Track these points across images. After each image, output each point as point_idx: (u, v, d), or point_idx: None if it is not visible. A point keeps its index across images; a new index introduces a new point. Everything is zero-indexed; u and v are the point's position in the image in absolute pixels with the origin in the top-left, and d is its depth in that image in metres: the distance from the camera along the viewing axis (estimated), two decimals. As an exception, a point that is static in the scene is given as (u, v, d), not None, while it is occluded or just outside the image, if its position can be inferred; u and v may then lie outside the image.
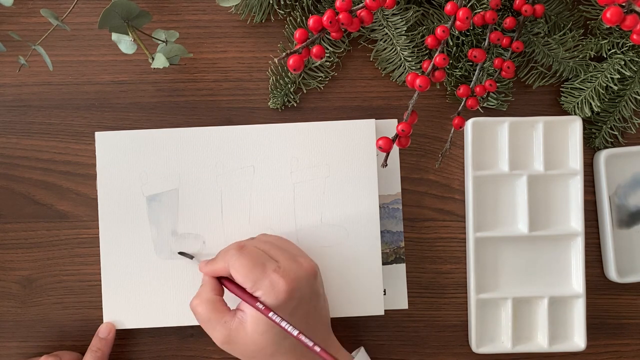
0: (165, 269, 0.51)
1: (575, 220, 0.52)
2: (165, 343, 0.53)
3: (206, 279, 0.47)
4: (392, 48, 0.52)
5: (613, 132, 0.53)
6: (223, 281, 0.46)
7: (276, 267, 0.44)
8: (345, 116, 0.54)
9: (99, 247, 0.51)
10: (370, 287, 0.52)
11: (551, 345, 0.52)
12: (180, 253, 0.51)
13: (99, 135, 0.52)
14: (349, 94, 0.54)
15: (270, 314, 0.42)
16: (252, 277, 0.43)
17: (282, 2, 0.51)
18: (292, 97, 0.53)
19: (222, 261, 0.45)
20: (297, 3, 0.52)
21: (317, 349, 0.40)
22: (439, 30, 0.46)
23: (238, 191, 0.52)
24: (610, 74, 0.50)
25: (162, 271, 0.51)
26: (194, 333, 0.53)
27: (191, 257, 0.51)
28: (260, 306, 0.43)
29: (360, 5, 0.43)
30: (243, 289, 0.44)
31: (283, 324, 0.42)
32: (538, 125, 0.52)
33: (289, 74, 0.53)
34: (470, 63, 0.52)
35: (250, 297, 0.44)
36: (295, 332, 0.41)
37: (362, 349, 0.50)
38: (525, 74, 0.53)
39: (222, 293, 0.46)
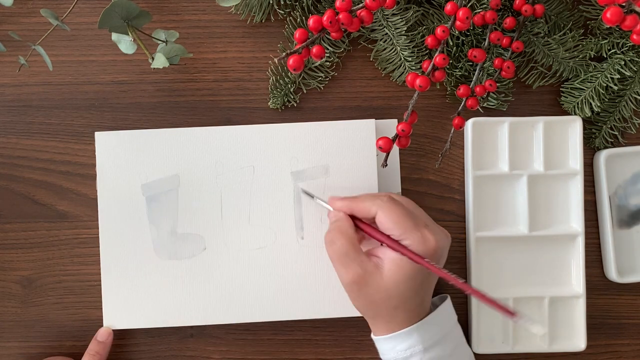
0: (165, 269, 0.51)
1: (575, 220, 0.52)
2: (165, 343, 0.53)
3: (341, 215, 0.45)
4: (392, 48, 0.52)
5: (613, 132, 0.53)
6: (360, 223, 0.45)
7: (426, 225, 0.44)
8: (345, 116, 0.54)
9: (99, 247, 0.51)
10: (370, 287, 0.52)
11: (551, 345, 0.52)
12: (304, 191, 0.50)
13: (99, 135, 0.52)
14: (349, 94, 0.54)
15: (426, 260, 0.42)
16: (404, 225, 0.43)
17: (282, 2, 0.51)
18: (292, 97, 0.53)
19: (370, 202, 0.44)
20: (297, 3, 0.52)
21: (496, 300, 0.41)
22: (439, 30, 0.46)
23: (238, 191, 0.52)
24: (610, 74, 0.50)
25: (162, 271, 0.51)
26: (194, 333, 0.53)
27: (312, 195, 0.50)
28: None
29: (360, 5, 0.43)
30: (387, 235, 0.43)
31: (444, 270, 0.42)
32: (538, 125, 0.52)
33: (289, 74, 0.52)
34: (470, 63, 0.52)
35: (398, 244, 0.43)
36: (461, 281, 0.41)
37: (447, 297, 0.49)
38: (525, 74, 0.53)
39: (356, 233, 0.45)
